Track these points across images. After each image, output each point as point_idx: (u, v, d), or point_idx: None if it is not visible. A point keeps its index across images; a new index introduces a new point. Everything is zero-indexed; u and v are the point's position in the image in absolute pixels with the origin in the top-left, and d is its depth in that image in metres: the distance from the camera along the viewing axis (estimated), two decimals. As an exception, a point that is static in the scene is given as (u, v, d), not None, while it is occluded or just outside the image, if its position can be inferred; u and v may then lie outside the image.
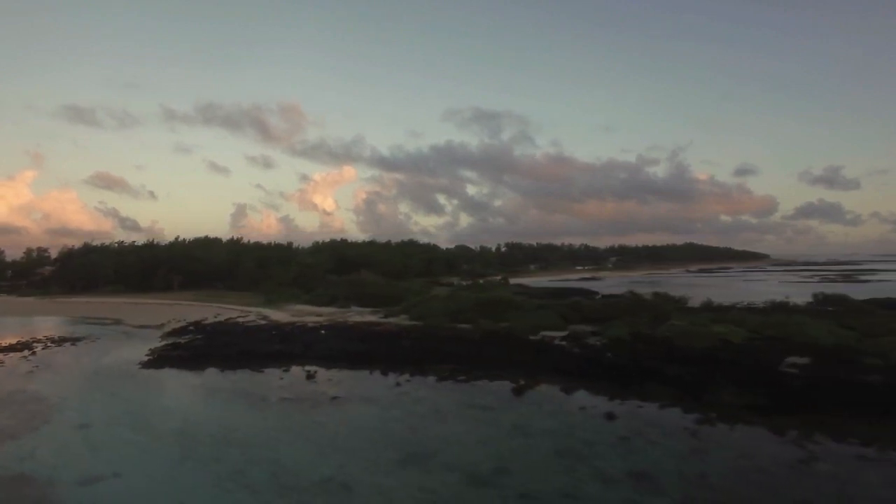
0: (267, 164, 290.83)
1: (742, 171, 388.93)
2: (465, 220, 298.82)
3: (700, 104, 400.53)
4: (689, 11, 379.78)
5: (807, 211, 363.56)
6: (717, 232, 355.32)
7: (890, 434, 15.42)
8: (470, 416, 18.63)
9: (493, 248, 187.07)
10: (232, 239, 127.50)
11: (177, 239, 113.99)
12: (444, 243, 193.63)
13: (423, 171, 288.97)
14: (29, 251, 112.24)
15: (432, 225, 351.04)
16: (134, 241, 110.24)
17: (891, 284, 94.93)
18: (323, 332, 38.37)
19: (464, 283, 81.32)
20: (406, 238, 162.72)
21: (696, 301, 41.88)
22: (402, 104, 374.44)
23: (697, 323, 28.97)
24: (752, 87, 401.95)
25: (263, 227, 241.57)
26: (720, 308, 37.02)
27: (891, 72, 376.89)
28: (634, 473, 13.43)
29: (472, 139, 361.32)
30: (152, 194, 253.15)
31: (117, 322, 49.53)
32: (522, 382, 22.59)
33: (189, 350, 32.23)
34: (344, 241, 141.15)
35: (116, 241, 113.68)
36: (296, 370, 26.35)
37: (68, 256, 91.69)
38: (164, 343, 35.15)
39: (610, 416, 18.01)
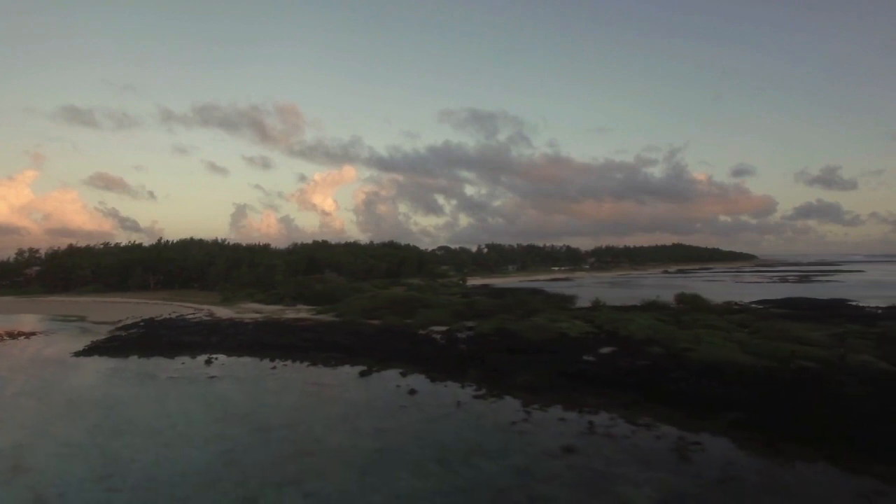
0: (265, 164, 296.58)
1: (739, 172, 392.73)
2: (464, 220, 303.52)
3: (696, 105, 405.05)
4: (683, 12, 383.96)
5: (805, 211, 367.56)
6: (716, 232, 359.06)
7: (608, 401, 20.00)
8: (305, 391, 23.35)
9: (474, 249, 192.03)
10: (216, 240, 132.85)
11: (159, 241, 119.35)
12: (444, 244, 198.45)
13: (420, 172, 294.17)
14: (21, 252, 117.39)
15: (432, 225, 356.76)
16: (118, 243, 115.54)
17: (832, 285, 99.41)
18: (250, 326, 43.15)
19: (421, 283, 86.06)
20: (405, 239, 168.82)
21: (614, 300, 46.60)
22: (397, 105, 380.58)
23: (555, 319, 33.61)
24: (747, 88, 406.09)
25: (263, 227, 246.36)
26: (595, 307, 41.56)
27: (887, 72, 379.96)
28: (380, 429, 18.10)
29: (468, 140, 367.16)
30: (152, 194, 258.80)
31: (81, 319, 54.38)
32: (373, 367, 27.35)
33: (123, 342, 37.06)
34: (321, 243, 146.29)
35: (117, 241, 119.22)
36: (202, 357, 31.11)
37: (53, 257, 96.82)
38: (106, 336, 40.01)
39: (412, 391, 22.68)
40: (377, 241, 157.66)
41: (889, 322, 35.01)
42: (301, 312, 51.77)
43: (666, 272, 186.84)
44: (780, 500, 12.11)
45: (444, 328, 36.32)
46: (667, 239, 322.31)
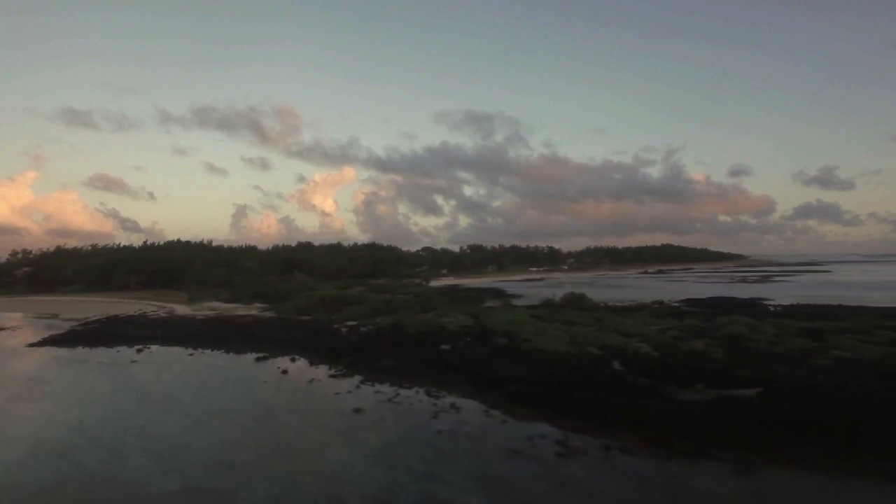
0: (264, 165, 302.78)
1: (736, 172, 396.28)
2: (464, 220, 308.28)
3: (692, 105, 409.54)
4: (678, 12, 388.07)
5: (805, 211, 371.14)
6: (716, 232, 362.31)
7: (429, 379, 24.99)
8: (204, 373, 28.45)
9: (462, 250, 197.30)
10: (203, 241, 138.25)
11: (145, 242, 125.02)
12: (444, 244, 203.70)
13: (418, 173, 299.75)
14: (14, 253, 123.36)
15: (432, 226, 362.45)
16: (97, 244, 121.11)
17: (783, 285, 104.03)
18: (198, 322, 48.43)
19: (383, 283, 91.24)
20: (406, 239, 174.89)
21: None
22: (394, 106, 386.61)
23: (443, 315, 38.72)
24: (744, 88, 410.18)
25: (264, 227, 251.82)
26: (504, 304, 46.58)
27: (885, 73, 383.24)
28: (234, 396, 23.25)
29: (465, 140, 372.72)
30: (151, 195, 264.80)
31: (53, 316, 59.75)
32: (273, 354, 32.55)
33: (77, 335, 42.33)
34: (305, 244, 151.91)
35: (117, 242, 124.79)
36: (137, 347, 36.27)
37: (41, 258, 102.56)
38: (65, 331, 45.38)
39: (284, 371, 27.86)
40: (378, 241, 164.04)
41: (749, 318, 39.86)
42: (252, 310, 57.05)
43: (645, 272, 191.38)
44: (479, 441, 17.01)
45: (354, 323, 41.49)
46: (667, 239, 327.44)
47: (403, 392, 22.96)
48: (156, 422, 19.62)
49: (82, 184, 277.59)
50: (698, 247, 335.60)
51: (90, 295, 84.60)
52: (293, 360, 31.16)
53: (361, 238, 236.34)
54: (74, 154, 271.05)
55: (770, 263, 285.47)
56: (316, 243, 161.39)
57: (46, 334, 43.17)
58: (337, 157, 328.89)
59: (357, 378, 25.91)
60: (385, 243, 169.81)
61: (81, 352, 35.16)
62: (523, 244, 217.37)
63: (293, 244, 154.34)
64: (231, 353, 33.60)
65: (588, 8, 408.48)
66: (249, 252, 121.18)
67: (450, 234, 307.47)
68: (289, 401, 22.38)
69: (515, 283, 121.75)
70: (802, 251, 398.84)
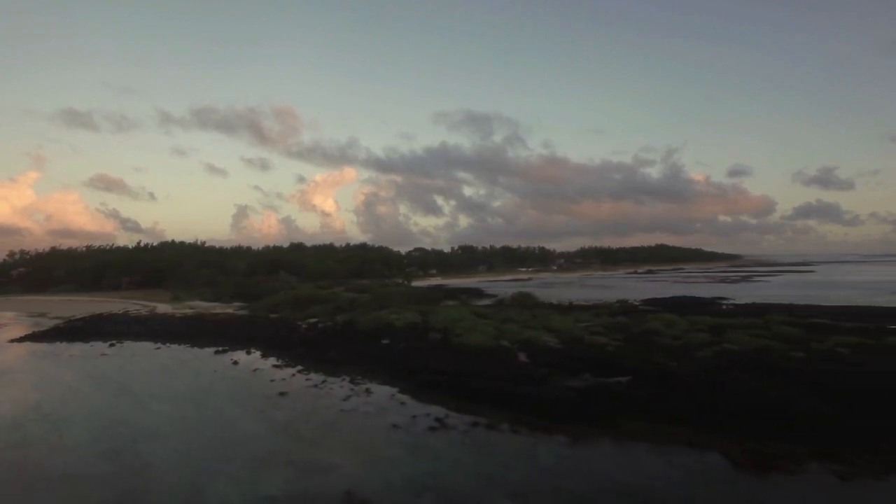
0: (263, 166, 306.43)
1: (735, 173, 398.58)
2: (464, 220, 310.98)
3: (691, 105, 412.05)
4: (674, 11, 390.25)
5: (805, 211, 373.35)
6: (717, 232, 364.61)
7: (358, 369, 27.75)
8: (163, 364, 31.22)
9: (449, 249, 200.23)
10: (194, 243, 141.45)
11: (139, 244, 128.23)
12: (444, 244, 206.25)
13: (418, 173, 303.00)
14: (12, 253, 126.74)
15: (432, 226, 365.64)
16: (91, 245, 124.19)
17: (757, 285, 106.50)
18: (175, 320, 51.34)
19: (364, 284, 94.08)
20: (406, 239, 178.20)
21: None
22: (392, 107, 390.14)
23: (395, 313, 41.51)
24: (742, 88, 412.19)
25: (265, 227, 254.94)
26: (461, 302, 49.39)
27: (883, 73, 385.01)
28: (181, 383, 26.08)
29: (463, 141, 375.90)
30: (152, 196, 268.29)
31: (41, 315, 62.76)
32: (232, 348, 35.38)
33: (58, 332, 45.23)
34: (297, 245, 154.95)
35: (118, 242, 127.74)
36: (110, 342, 39.16)
37: (35, 259, 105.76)
38: (47, 327, 48.33)
39: (235, 363, 30.68)
40: (379, 242, 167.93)
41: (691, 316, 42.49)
42: (229, 308, 59.95)
43: (635, 272, 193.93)
44: (371, 418, 19.76)
45: (315, 320, 44.34)
46: (667, 239, 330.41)
47: (331, 380, 25.73)
48: (104, 403, 22.47)
49: (83, 184, 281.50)
50: (698, 247, 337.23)
51: (81, 294, 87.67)
52: (248, 352, 33.99)
53: (362, 238, 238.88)
54: (75, 155, 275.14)
55: (762, 264, 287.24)
56: (317, 244, 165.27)
57: (30, 331, 46.13)
58: (336, 157, 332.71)
59: (297, 368, 28.69)
60: (386, 244, 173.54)
61: (58, 346, 38.06)
62: (520, 245, 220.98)
63: (294, 244, 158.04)
64: (194, 347, 36.45)
65: (586, 8, 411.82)
66: (239, 253, 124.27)
67: (450, 235, 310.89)
68: (227, 386, 25.21)
69: (500, 283, 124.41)
70: (803, 251, 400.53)
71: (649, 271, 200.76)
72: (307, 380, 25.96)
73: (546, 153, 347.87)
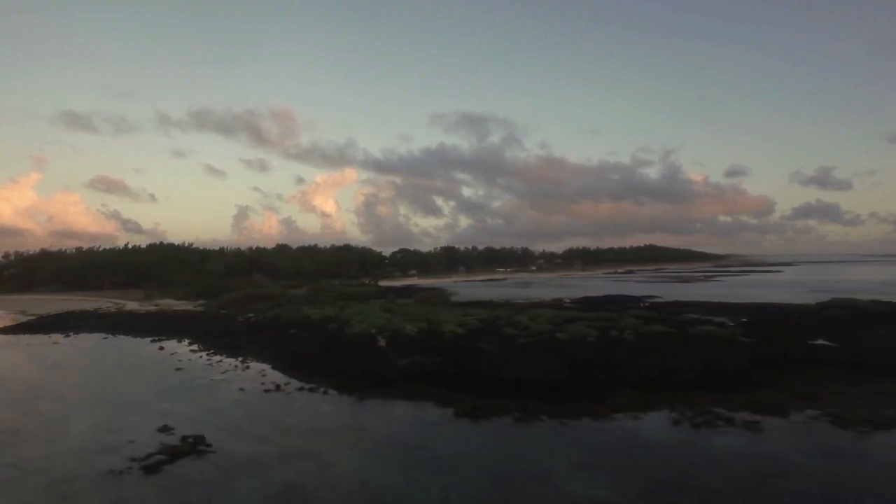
0: (262, 167, 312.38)
1: (733, 173, 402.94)
2: (464, 221, 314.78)
3: (687, 105, 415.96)
4: (672, 11, 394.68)
5: (805, 211, 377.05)
6: (716, 233, 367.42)
7: (259, 353, 33.45)
8: (102, 350, 37.03)
9: (433, 249, 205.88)
10: (185, 244, 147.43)
11: (126, 245, 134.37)
12: (445, 244, 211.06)
13: (416, 174, 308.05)
14: (7, 255, 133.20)
15: (432, 226, 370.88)
16: (81, 247, 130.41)
17: (709, 284, 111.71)
18: (137, 316, 57.20)
19: (332, 283, 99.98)
20: (407, 240, 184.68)
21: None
22: (389, 108, 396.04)
23: (314, 308, 47.23)
24: (739, 88, 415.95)
25: (265, 228, 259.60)
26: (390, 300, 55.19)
27: (880, 73, 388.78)
28: (104, 363, 31.86)
29: (460, 142, 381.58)
30: (153, 197, 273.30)
31: (22, 312, 68.69)
32: (170, 338, 41.17)
33: (27, 326, 51.15)
34: (283, 246, 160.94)
35: (119, 243, 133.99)
36: (68, 333, 45.01)
37: (24, 260, 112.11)
38: (20, 322, 54.30)
39: (161, 348, 36.45)
40: (379, 242, 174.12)
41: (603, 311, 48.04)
42: (190, 306, 65.85)
43: (615, 272, 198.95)
44: (230, 384, 25.39)
45: (252, 315, 50.15)
46: (668, 239, 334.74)
47: (227, 360, 31.47)
48: (34, 376, 28.31)
49: (84, 186, 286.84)
50: (698, 248, 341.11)
51: (64, 294, 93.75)
52: (179, 341, 39.73)
53: (363, 239, 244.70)
54: (75, 156, 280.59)
55: (749, 264, 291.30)
56: (318, 245, 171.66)
57: (1, 325, 52.10)
58: (335, 158, 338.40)
59: (208, 352, 34.42)
60: (386, 245, 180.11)
61: (20, 338, 43.94)
62: (521, 246, 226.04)
63: (296, 245, 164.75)
64: (137, 338, 42.24)
65: (580, 8, 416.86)
66: (220, 254, 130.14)
67: (451, 235, 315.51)
68: (141, 364, 31.03)
69: (470, 283, 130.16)
70: (803, 251, 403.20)
71: (629, 271, 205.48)
72: (208, 360, 31.70)
73: (543, 154, 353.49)
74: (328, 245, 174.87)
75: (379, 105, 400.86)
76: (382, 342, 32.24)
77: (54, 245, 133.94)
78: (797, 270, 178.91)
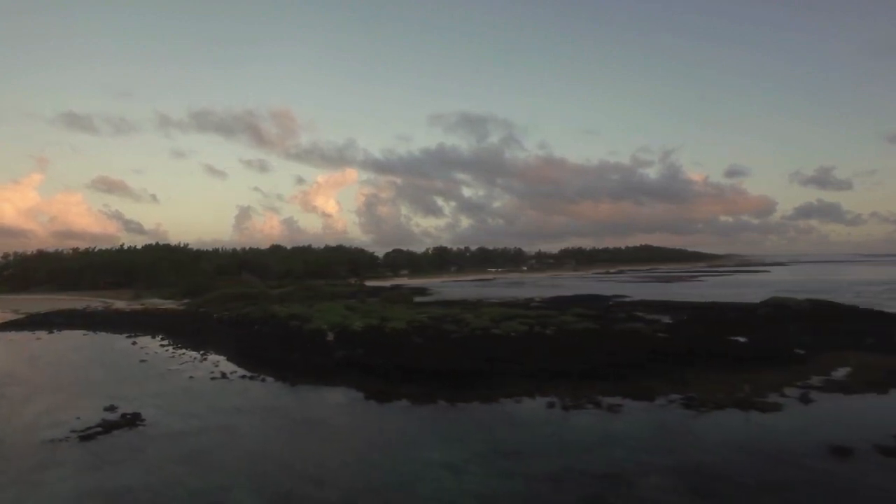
0: (263, 167, 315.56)
1: (733, 173, 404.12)
2: (465, 221, 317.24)
3: (686, 105, 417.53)
4: (671, 11, 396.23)
5: (806, 211, 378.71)
6: (718, 233, 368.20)
7: (207, 347, 36.29)
8: (79, 345, 39.91)
9: (426, 250, 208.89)
10: (180, 244, 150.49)
11: (122, 246, 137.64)
12: (446, 244, 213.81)
13: (416, 174, 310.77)
14: (6, 255, 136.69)
15: (433, 226, 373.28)
16: (77, 248, 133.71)
17: (700, 284, 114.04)
18: (122, 314, 60.17)
19: (317, 283, 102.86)
20: (408, 240, 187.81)
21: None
22: (388, 108, 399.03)
23: (282, 306, 50.04)
24: (736, 88, 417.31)
25: (266, 228, 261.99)
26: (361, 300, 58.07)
27: (880, 73, 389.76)
28: (77, 354, 34.73)
29: (460, 142, 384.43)
30: (154, 197, 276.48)
31: (15, 311, 71.70)
32: (143, 334, 44.06)
33: (16, 323, 54.14)
34: (276, 247, 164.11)
35: (122, 243, 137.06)
36: (52, 330, 47.90)
37: (22, 261, 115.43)
38: (8, 320, 57.33)
39: (133, 343, 39.34)
40: (380, 243, 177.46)
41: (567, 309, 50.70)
42: (173, 305, 68.80)
43: (606, 272, 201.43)
44: (180, 372, 28.20)
45: (227, 313, 53.02)
46: (668, 239, 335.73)
47: (189, 353, 34.28)
48: (10, 367, 31.20)
49: (85, 186, 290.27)
50: (699, 248, 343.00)
51: (59, 294, 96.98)
52: (153, 337, 42.57)
53: (364, 239, 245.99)
54: (76, 157, 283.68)
55: (743, 263, 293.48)
56: (319, 245, 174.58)
57: (-7, 322, 55.13)
58: (335, 159, 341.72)
59: (174, 346, 37.27)
60: (388, 245, 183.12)
61: (6, 334, 46.88)
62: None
63: (296, 245, 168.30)
64: (114, 334, 45.17)
65: (578, 8, 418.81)
66: (212, 255, 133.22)
67: (452, 235, 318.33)
68: (110, 357, 33.89)
69: (456, 283, 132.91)
70: (805, 251, 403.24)
71: (620, 271, 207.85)
72: (171, 353, 34.54)
73: (542, 154, 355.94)
74: (331, 245, 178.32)
75: (378, 105, 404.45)
76: (331, 337, 35.01)
77: (57, 246, 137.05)
78: (788, 270, 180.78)
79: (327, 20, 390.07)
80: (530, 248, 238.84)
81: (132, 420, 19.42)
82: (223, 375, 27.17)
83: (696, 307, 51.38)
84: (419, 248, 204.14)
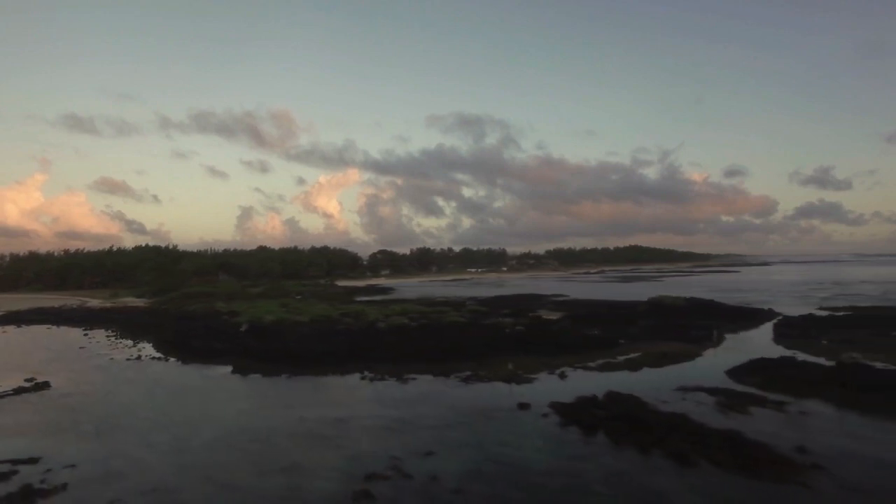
0: (263, 168, 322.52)
1: (732, 173, 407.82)
2: (466, 222, 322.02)
3: (684, 105, 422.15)
4: (669, 11, 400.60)
5: (807, 211, 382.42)
6: (719, 233, 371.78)
7: (144, 336, 42.52)
8: (40, 337, 46.21)
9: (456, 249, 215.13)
10: (170, 246, 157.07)
11: (110, 248, 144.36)
12: (448, 245, 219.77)
13: (416, 175, 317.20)
14: (2, 257, 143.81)
15: (434, 227, 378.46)
16: (68, 249, 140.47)
17: (659, 284, 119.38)
18: (92, 311, 66.52)
19: (289, 283, 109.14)
20: (409, 240, 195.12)
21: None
22: (387, 110, 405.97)
23: (230, 303, 56.28)
24: (735, 88, 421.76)
25: (268, 229, 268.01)
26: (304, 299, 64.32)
27: (879, 73, 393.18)
28: (37, 346, 41.01)
29: (458, 143, 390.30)
30: (156, 198, 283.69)
31: (-1, 307, 78.47)
32: (98, 328, 50.34)
33: (-7, 318, 60.66)
34: (263, 248, 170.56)
35: (124, 244, 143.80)
36: (20, 325, 54.26)
37: (12, 262, 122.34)
38: (-11, 315, 63.80)
39: (86, 334, 45.64)
40: (382, 243, 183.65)
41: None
42: (141, 302, 75.17)
43: (587, 272, 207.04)
44: (113, 361, 34.38)
45: (179, 309, 59.33)
46: (670, 240, 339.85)
47: (125, 341, 40.58)
48: (-30, 353, 37.51)
49: (87, 187, 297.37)
50: (702, 248, 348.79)
51: (42, 293, 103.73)
52: (106, 330, 48.92)
53: (366, 239, 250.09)
54: (78, 158, 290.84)
55: (731, 264, 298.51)
56: (285, 247, 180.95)
57: (-25, 318, 61.59)
58: (334, 160, 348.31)
59: (119, 337, 43.53)
60: (389, 245, 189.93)
61: (-18, 327, 53.35)
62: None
63: (301, 246, 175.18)
64: (75, 328, 51.48)
65: (577, 9, 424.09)
66: (193, 256, 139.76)
67: (453, 235, 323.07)
68: (58, 344, 40.16)
69: (428, 283, 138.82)
70: (807, 251, 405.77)
71: (600, 272, 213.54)
72: (112, 343, 40.75)
73: (541, 154, 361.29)
74: (333, 246, 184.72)
75: (376, 106, 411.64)
76: (244, 328, 41.19)
77: (61, 246, 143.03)
78: (764, 271, 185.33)
79: (324, 23, 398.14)
80: (534, 249, 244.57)
81: (40, 386, 25.61)
82: (138, 357, 33.39)
83: (597, 305, 57.31)
84: (423, 248, 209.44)
